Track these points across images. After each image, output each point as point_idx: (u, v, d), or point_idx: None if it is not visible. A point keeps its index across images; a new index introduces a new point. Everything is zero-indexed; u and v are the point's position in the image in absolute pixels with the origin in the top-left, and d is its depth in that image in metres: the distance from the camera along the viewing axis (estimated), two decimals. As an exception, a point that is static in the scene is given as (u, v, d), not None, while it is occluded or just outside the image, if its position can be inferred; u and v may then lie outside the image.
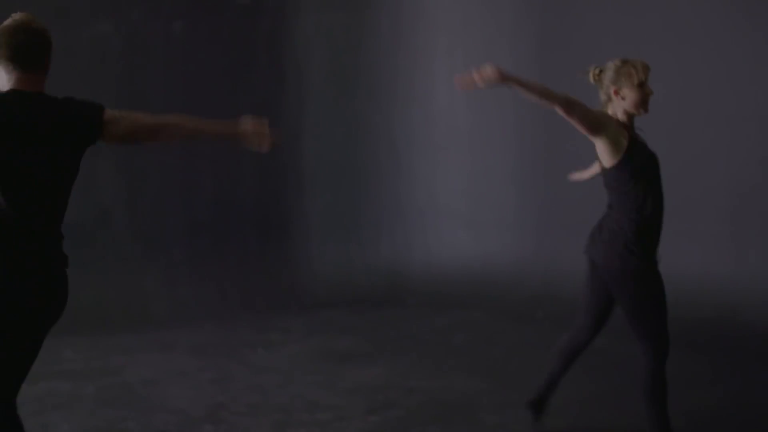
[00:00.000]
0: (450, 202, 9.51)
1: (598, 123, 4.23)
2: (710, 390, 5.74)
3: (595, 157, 4.44)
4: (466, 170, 9.45)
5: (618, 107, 4.31)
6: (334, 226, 9.72)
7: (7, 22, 3.36)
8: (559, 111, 4.22)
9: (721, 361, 6.35)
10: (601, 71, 4.39)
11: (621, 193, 4.32)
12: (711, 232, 7.35)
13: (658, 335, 4.31)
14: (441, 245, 9.40)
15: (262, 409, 5.55)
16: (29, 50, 3.35)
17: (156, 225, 9.25)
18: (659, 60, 7.74)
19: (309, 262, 9.48)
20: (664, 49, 7.73)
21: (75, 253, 9.43)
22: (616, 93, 4.29)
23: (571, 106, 4.19)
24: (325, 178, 9.90)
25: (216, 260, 9.30)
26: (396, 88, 9.82)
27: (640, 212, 4.28)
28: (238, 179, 9.72)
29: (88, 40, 8.82)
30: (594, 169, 4.86)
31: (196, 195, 9.50)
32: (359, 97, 9.92)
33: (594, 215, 8.16)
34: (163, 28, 9.33)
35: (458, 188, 9.47)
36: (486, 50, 9.28)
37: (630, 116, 4.32)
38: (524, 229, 8.97)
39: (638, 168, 4.26)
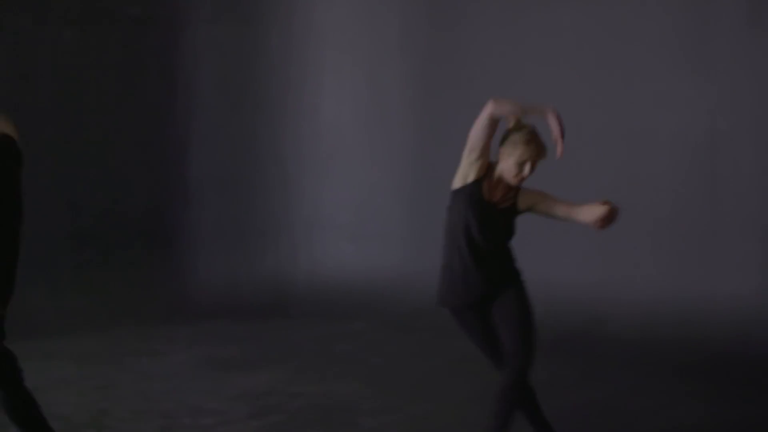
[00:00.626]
0: (335, 214, 9.67)
1: (476, 146, 4.28)
2: (577, 394, 6.06)
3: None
4: (352, 184, 9.63)
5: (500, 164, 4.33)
6: (220, 237, 9.79)
7: None
8: (490, 111, 4.21)
9: (588, 368, 6.69)
10: (518, 126, 4.34)
11: None
12: (580, 247, 7.69)
13: (490, 364, 4.53)
14: (326, 257, 9.56)
15: (145, 415, 5.62)
16: None
17: (41, 234, 9.17)
18: (536, 74, 8.14)
19: (195, 272, 9.53)
20: (546, 65, 8.10)
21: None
22: (501, 152, 4.31)
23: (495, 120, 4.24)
24: (212, 189, 9.96)
25: (101, 270, 9.28)
26: (285, 101, 9.95)
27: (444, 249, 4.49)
28: (124, 189, 9.71)
29: (-27, 46, 8.76)
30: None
31: (82, 204, 9.46)
32: (248, 109, 10.03)
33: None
34: (52, 36, 9.30)
35: (344, 201, 9.65)
36: (374, 65, 9.52)
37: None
38: (408, 242, 9.19)
39: (451, 207, 4.46)
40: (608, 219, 4.23)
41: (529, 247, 7.84)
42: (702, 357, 6.77)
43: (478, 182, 4.34)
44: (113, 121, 9.70)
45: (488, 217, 4.34)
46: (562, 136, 4.19)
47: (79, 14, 9.46)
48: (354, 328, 8.25)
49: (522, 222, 4.50)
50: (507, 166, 4.29)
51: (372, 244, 9.39)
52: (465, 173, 4.37)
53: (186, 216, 9.87)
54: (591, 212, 4.27)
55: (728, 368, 6.55)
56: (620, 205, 4.30)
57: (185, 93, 10.13)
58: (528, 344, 4.31)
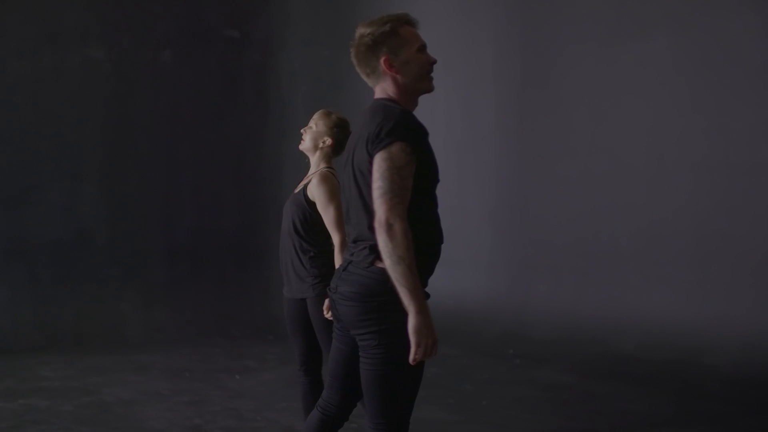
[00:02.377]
0: (426, 238, 9.62)
1: None
2: (672, 428, 5.91)
3: None
4: (443, 208, 9.49)
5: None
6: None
7: None
8: None
9: (684, 401, 6.53)
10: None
11: None
12: (680, 277, 7.52)
13: None
14: (416, 280, 9.51)
15: (238, 433, 5.66)
16: None
17: (136, 248, 9.36)
18: (632, 103, 8.02)
19: (286, 291, 9.61)
20: (641, 94, 7.97)
21: (54, 272, 9.51)
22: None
23: None
24: (304, 209, 10.02)
25: (194, 285, 9.42)
26: (377, 125, 9.96)
27: None
28: (219, 207, 9.86)
29: (78, 64, 8.98)
30: None
31: (177, 220, 9.62)
32: (341, 131, 10.06)
33: (566, 258, 8.36)
34: (153, 56, 9.50)
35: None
36: (468, 91, 9.50)
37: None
38: (498, 268, 9.13)
39: None
40: None
41: (625, 279, 7.77)
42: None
43: None
44: (208, 141, 9.86)
45: None
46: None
47: (177, 36, 9.66)
48: (444, 353, 8.06)
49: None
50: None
51: (462, 269, 9.34)
52: None
53: (278, 235, 9.93)
54: None
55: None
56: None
57: (279, 114, 10.25)
58: None
